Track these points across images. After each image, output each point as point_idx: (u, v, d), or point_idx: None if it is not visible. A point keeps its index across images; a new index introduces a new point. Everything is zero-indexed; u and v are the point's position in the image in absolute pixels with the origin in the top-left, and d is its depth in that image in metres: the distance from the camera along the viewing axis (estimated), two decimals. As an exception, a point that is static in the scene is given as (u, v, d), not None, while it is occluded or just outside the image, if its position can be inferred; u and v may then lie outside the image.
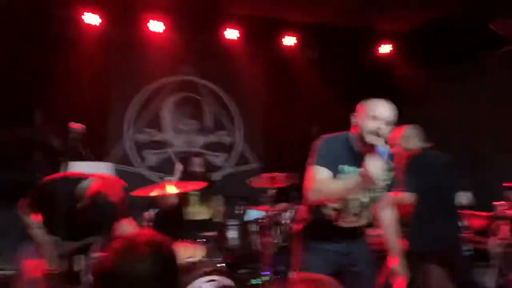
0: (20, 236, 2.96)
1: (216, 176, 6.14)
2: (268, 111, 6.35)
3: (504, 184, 4.37)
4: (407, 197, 3.31)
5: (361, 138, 2.42)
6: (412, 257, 3.34)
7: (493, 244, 4.13)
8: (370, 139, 2.37)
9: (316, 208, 2.60)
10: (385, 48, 6.31)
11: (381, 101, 2.50)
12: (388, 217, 2.67)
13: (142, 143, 5.96)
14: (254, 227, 4.34)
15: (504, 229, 4.17)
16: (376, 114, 2.42)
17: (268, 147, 6.40)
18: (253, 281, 4.42)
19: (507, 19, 4.52)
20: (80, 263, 2.77)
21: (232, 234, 4.08)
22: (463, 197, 3.63)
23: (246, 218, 4.70)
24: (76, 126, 2.50)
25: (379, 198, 2.58)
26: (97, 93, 5.55)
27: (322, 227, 2.61)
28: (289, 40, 6.00)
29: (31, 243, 2.79)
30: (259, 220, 4.35)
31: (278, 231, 4.68)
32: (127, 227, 3.00)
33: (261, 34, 5.89)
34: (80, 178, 2.64)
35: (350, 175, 2.41)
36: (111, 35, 5.53)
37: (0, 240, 4.76)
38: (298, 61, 6.18)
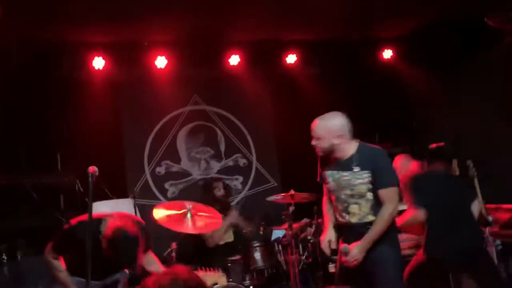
0: (51, 280, 3.04)
1: (235, 199, 6.21)
2: (279, 129, 6.43)
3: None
4: (419, 215, 3.41)
5: None
6: (433, 268, 3.40)
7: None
8: None
9: None
10: (386, 54, 6.36)
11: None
12: (382, 210, 2.86)
13: (161, 176, 6.08)
14: (279, 246, 4.39)
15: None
16: None
17: (283, 165, 6.45)
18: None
19: (501, 12, 4.55)
20: None
21: (257, 255, 4.12)
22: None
23: (271, 238, 4.73)
24: (92, 169, 2.60)
25: (358, 195, 2.88)
26: (112, 133, 5.72)
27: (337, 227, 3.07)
28: (291, 59, 6.10)
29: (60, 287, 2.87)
30: (283, 239, 4.39)
31: (303, 248, 4.71)
32: (152, 258, 3.08)
33: (263, 56, 6.01)
34: (100, 218, 2.73)
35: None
36: (119, 75, 5.72)
37: (34, 286, 4.89)
38: (302, 77, 6.27)
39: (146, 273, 3.21)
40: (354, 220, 2.92)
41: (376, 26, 5.80)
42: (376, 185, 2.86)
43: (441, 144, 3.98)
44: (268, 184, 6.46)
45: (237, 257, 4.28)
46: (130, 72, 5.81)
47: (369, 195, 2.88)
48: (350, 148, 2.92)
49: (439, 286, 3.55)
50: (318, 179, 3.17)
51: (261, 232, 4.66)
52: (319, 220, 4.64)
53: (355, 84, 6.34)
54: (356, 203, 2.90)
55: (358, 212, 2.90)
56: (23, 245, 4.93)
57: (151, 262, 3.05)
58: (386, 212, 2.83)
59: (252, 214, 5.49)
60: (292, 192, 4.36)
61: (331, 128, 2.89)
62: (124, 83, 5.91)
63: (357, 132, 3.09)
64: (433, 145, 3.88)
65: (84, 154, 5.19)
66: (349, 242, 2.92)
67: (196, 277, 1.46)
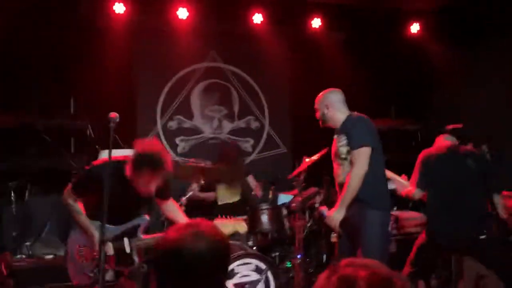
0: (67, 222, 3.06)
1: (245, 161, 6.20)
2: (295, 95, 6.32)
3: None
4: (413, 193, 3.56)
5: None
6: (432, 248, 3.43)
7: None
8: None
9: None
10: (413, 28, 6.16)
11: None
12: (350, 172, 3.10)
13: (172, 131, 6.04)
14: (285, 211, 4.38)
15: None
16: None
17: (296, 131, 6.39)
18: (285, 264, 4.49)
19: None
20: (129, 245, 2.85)
21: (264, 218, 4.12)
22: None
23: (278, 202, 4.73)
24: (114, 115, 2.57)
25: (342, 156, 3.15)
26: (126, 82, 5.65)
27: None
28: (315, 23, 5.92)
29: (77, 228, 2.88)
30: (290, 204, 4.38)
31: (309, 215, 4.72)
32: (173, 206, 3.10)
33: (287, 17, 5.84)
34: (125, 160, 2.70)
35: None
36: (139, 24, 5.59)
37: (41, 226, 4.97)
38: (325, 43, 6.11)
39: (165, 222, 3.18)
40: (339, 180, 3.23)
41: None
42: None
43: (459, 125, 3.91)
44: (278, 150, 6.43)
45: (243, 217, 4.29)
46: (150, 21, 5.68)
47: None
48: (340, 118, 3.26)
49: (440, 265, 3.57)
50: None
51: (270, 196, 4.66)
52: (331, 189, 4.64)
53: (377, 55, 6.16)
54: (341, 165, 3.21)
55: (342, 173, 3.20)
56: (31, 186, 4.99)
57: (172, 210, 3.09)
58: (351, 173, 3.07)
59: (261, 177, 5.50)
60: (303, 158, 4.32)
61: (322, 100, 3.32)
62: (143, 32, 5.78)
63: (373, 104, 3.06)
64: (450, 126, 3.80)
65: (97, 101, 5.15)
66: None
67: (219, 231, 1.47)
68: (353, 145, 3.10)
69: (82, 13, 5.29)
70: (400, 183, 3.61)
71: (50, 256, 4.68)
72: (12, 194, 4.77)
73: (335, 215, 3.09)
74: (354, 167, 3.07)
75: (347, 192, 3.06)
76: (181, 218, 3.02)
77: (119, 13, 5.30)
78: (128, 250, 2.83)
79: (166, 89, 6.03)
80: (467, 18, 5.59)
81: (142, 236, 2.88)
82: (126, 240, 2.85)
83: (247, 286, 3.67)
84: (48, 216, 4.98)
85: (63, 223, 4.47)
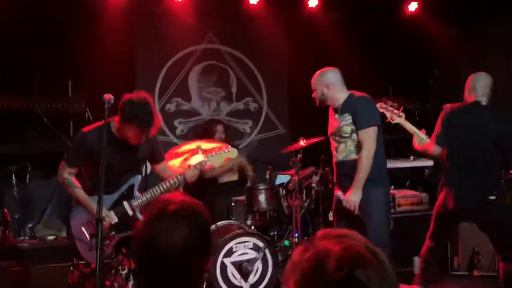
0: (68, 204, 3.11)
1: (243, 142, 6.23)
2: (293, 76, 6.31)
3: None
4: (432, 150, 3.42)
5: None
6: (447, 217, 3.38)
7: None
8: None
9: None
10: (411, 7, 6.10)
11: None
12: (360, 153, 3.17)
13: (171, 113, 6.06)
14: (283, 191, 4.44)
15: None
16: None
17: (294, 112, 6.40)
18: (283, 243, 4.56)
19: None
20: (130, 208, 2.91)
21: (262, 197, 4.18)
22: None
23: (276, 182, 4.79)
24: (108, 97, 2.59)
25: (343, 135, 3.22)
26: (124, 64, 5.63)
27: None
28: (312, 2, 5.88)
29: (78, 207, 2.93)
30: (288, 184, 4.44)
31: (306, 195, 4.78)
32: (166, 168, 3.16)
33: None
34: (109, 121, 2.72)
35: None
36: (136, 5, 5.55)
37: (42, 208, 5.04)
38: (322, 24, 6.06)
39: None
40: (340, 157, 3.30)
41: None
42: (356, 128, 3.20)
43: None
44: (277, 131, 6.45)
45: (241, 197, 4.35)
46: (147, 3, 5.63)
47: (354, 136, 3.22)
48: (340, 97, 3.28)
49: (443, 228, 3.49)
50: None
51: (267, 176, 4.71)
52: (326, 169, 4.68)
53: (375, 34, 6.12)
54: (342, 143, 3.27)
55: (344, 150, 3.26)
56: (32, 168, 5.04)
57: (166, 171, 3.15)
58: (363, 154, 3.14)
59: (259, 158, 5.54)
60: (301, 139, 4.36)
61: (321, 79, 3.31)
62: (140, 14, 5.74)
63: (371, 84, 3.09)
64: (448, 105, 3.79)
65: (95, 83, 5.15)
66: (338, 178, 3.35)
67: (197, 210, 1.38)
68: (362, 125, 3.16)
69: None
70: (419, 138, 3.45)
71: (52, 237, 4.76)
72: (14, 177, 4.83)
73: (353, 197, 3.12)
74: (364, 147, 3.12)
75: (361, 172, 3.10)
76: (173, 175, 3.03)
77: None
78: (130, 212, 2.88)
79: (163, 71, 6.02)
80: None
81: (139, 194, 2.93)
82: (125, 203, 2.90)
83: (245, 264, 3.75)
84: (49, 198, 5.04)
85: (64, 204, 4.53)
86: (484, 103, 3.45)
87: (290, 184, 4.37)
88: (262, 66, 6.37)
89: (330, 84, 3.27)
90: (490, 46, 5.59)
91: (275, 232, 4.57)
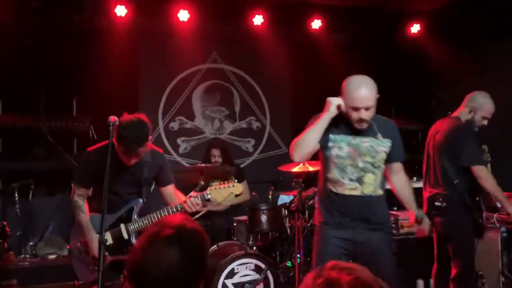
0: (70, 222, 3.12)
1: (246, 161, 6.24)
2: (295, 95, 6.36)
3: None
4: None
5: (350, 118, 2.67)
6: (439, 237, 3.44)
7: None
8: (356, 126, 2.66)
9: (323, 183, 2.81)
10: (414, 28, 6.17)
11: (359, 87, 2.64)
12: (400, 181, 2.86)
13: (174, 131, 6.10)
14: (285, 212, 4.42)
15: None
16: (355, 105, 2.60)
17: (297, 131, 6.37)
18: (285, 264, 4.52)
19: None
20: (126, 231, 2.91)
21: (264, 218, 4.16)
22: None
23: (278, 202, 4.77)
24: (114, 119, 2.61)
25: (378, 163, 2.72)
26: (128, 83, 5.70)
27: (329, 199, 2.76)
28: (315, 24, 5.95)
29: (77, 225, 2.94)
30: (290, 205, 4.42)
31: (309, 215, 4.75)
32: (170, 194, 3.12)
33: (287, 18, 5.86)
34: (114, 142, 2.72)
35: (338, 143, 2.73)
36: (140, 26, 5.64)
37: (44, 226, 5.04)
38: (324, 44, 6.13)
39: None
40: (367, 191, 2.68)
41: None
42: (391, 157, 2.75)
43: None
44: (279, 150, 6.47)
45: (243, 217, 4.34)
46: (151, 23, 5.72)
47: (383, 166, 2.74)
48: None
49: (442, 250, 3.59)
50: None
51: (269, 196, 4.69)
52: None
53: (377, 56, 6.18)
54: (373, 173, 2.69)
55: (373, 182, 2.69)
56: (35, 186, 5.06)
57: (171, 197, 3.10)
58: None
59: (261, 178, 5.54)
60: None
61: (375, 97, 2.68)
62: (144, 34, 5.84)
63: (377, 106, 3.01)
64: None
65: (100, 102, 5.20)
66: (354, 216, 2.69)
67: (201, 230, 1.40)
68: (403, 156, 2.82)
69: (84, 16, 5.34)
70: None
71: (53, 256, 4.74)
72: (16, 195, 4.84)
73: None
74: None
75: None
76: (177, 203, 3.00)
77: (120, 16, 5.35)
78: (126, 236, 2.88)
79: (167, 91, 6.08)
80: (468, 18, 5.58)
81: (137, 219, 2.93)
82: (122, 226, 2.90)
83: (246, 285, 3.72)
84: (51, 216, 5.05)
85: (66, 223, 4.53)
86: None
87: (293, 205, 4.35)
88: (266, 86, 6.43)
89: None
90: (492, 68, 5.62)
91: (277, 253, 4.53)
